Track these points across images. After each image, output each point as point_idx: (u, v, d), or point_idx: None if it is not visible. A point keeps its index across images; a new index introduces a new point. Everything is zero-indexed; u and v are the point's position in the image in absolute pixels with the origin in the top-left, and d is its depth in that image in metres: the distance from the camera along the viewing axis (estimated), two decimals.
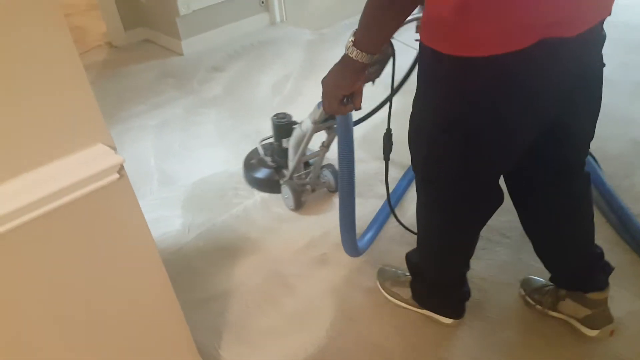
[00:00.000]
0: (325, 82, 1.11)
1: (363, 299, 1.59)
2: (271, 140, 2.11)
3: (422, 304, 1.50)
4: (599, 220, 1.67)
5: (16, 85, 0.78)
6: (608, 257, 1.35)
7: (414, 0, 0.91)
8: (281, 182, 1.99)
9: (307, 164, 2.03)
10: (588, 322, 1.37)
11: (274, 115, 2.01)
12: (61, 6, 0.77)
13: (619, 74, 2.65)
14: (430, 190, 1.24)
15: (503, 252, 1.72)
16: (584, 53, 0.98)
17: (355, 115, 1.34)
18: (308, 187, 1.99)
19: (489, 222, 1.28)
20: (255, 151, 2.21)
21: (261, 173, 2.12)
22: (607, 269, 1.35)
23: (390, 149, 1.45)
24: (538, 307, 1.47)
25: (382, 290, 1.58)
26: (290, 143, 1.91)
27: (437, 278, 1.42)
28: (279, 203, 2.03)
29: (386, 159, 1.46)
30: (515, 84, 0.95)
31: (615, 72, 2.66)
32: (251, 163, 2.18)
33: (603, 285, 1.34)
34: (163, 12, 3.48)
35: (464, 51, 0.93)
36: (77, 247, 0.96)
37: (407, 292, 1.52)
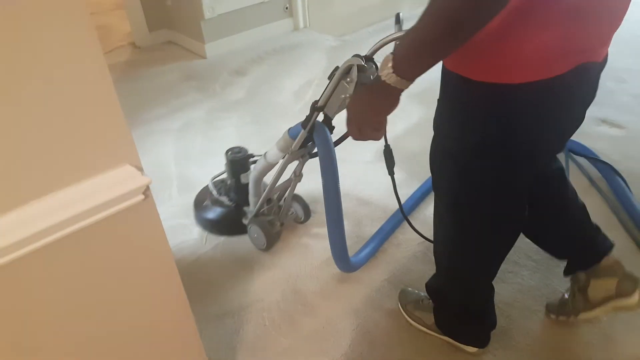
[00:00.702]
0: (355, 109, 1.04)
1: (384, 321, 1.55)
2: (223, 176, 1.97)
3: (445, 332, 1.45)
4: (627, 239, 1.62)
5: (46, 104, 0.75)
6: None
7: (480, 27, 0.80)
8: (245, 221, 1.84)
9: (269, 200, 1.83)
10: (622, 290, 1.30)
11: (228, 151, 1.86)
12: (87, 4, 0.73)
13: None
14: (460, 213, 1.20)
15: (529, 276, 1.66)
16: (600, 74, 1.03)
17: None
18: (276, 222, 1.84)
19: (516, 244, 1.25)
20: (205, 190, 2.02)
21: (217, 214, 1.92)
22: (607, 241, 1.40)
23: (393, 163, 1.42)
24: (572, 317, 1.43)
25: (404, 314, 1.54)
26: (251, 177, 1.76)
27: (463, 303, 1.37)
28: (294, 217, 1.99)
29: (391, 173, 1.43)
30: (551, 107, 0.95)
31: None
32: (204, 205, 1.97)
33: (610, 245, 1.38)
34: (188, 14, 3.48)
35: (498, 78, 0.90)
36: (100, 265, 0.94)
37: (429, 318, 1.47)
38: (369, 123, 1.03)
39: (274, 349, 1.50)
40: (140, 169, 0.90)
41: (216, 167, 2.33)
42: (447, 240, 1.31)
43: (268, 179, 1.76)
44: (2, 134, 0.73)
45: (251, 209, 1.82)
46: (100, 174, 0.86)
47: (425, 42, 0.83)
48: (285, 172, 1.67)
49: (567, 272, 1.44)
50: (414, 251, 1.79)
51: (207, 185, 2.00)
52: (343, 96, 1.30)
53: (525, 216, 1.21)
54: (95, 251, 0.91)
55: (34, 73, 0.72)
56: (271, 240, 1.82)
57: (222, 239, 1.91)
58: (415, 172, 2.14)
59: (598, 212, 1.86)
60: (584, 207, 1.40)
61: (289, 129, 1.59)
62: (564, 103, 0.97)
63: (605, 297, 1.33)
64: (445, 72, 1.01)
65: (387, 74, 0.90)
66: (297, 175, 1.69)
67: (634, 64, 2.77)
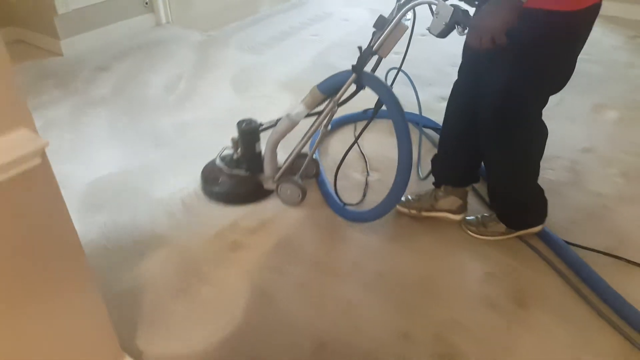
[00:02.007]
0: (483, 21, 1.27)
1: (277, 278, 1.68)
2: (226, 152, 2.10)
3: (522, 227, 1.79)
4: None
5: None
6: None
7: None
8: (271, 186, 1.98)
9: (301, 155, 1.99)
10: (458, 210, 1.88)
11: (240, 123, 1.96)
12: None
13: None
14: (525, 129, 1.56)
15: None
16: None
17: None
18: (299, 178, 1.96)
19: None
20: (211, 169, 2.11)
21: (238, 186, 2.03)
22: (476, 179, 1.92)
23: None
24: (413, 212, 1.91)
25: (477, 236, 1.83)
26: (270, 140, 1.89)
27: (539, 197, 1.75)
28: (180, 199, 2.05)
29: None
30: (588, 29, 1.42)
31: None
32: (220, 182, 2.04)
33: (475, 181, 1.92)
34: (38, 10, 3.28)
35: (574, 6, 1.32)
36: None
37: (500, 227, 1.80)
38: (493, 32, 1.25)
39: (174, 317, 1.55)
40: (36, 132, 0.93)
41: (89, 162, 2.28)
42: (519, 156, 1.64)
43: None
44: None
45: (267, 174, 1.96)
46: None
47: None
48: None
49: (437, 185, 1.92)
50: (296, 216, 1.95)
51: (210, 166, 2.10)
52: (399, 35, 1.57)
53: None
54: None
55: None
56: (305, 192, 1.94)
57: (105, 228, 1.90)
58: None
59: None
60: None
61: (318, 84, 1.75)
62: (586, 34, 1.42)
63: (445, 209, 1.88)
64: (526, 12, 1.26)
65: None
66: (325, 129, 1.83)
67: None
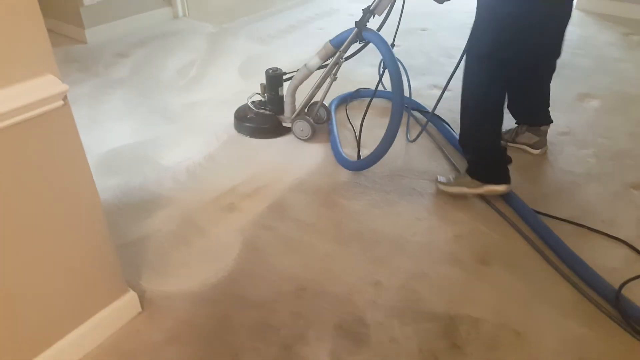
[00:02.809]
0: None
1: (267, 234, 1.88)
2: (257, 97, 2.55)
3: (482, 179, 1.97)
4: (449, 164, 2.14)
5: None
6: None
7: None
8: (289, 122, 2.44)
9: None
10: (536, 145, 2.29)
11: (268, 70, 2.41)
12: None
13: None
14: (494, 67, 1.79)
15: None
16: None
17: None
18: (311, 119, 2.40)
19: None
20: (243, 109, 2.57)
21: (264, 123, 2.48)
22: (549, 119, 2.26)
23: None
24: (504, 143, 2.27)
25: (449, 191, 2.05)
26: (290, 85, 2.37)
27: (493, 146, 1.95)
28: (185, 167, 2.26)
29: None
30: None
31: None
32: (248, 117, 2.51)
33: (550, 121, 2.25)
34: (66, 2, 3.54)
35: None
36: (27, 165, 1.14)
37: (466, 180, 2.01)
38: None
39: (173, 263, 1.76)
40: (60, 79, 1.14)
41: (105, 133, 2.51)
42: (477, 92, 1.87)
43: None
44: None
45: (287, 115, 2.44)
46: (29, 80, 1.09)
47: None
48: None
49: (518, 122, 2.31)
50: (288, 185, 2.14)
51: (242, 107, 2.59)
52: None
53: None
54: (24, 150, 1.12)
55: None
56: (314, 131, 2.40)
57: (118, 190, 2.11)
58: None
59: (429, 147, 2.38)
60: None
61: (330, 40, 2.20)
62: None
63: (525, 143, 2.31)
64: None
65: None
66: (333, 77, 2.24)
67: (459, 44, 3.42)
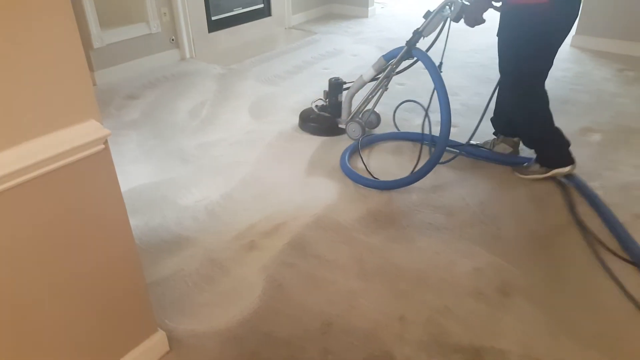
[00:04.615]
0: (471, 8, 2.23)
1: (288, 271, 1.90)
2: (320, 101, 3.00)
3: (551, 165, 2.35)
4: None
5: (22, 67, 1.03)
6: None
7: None
8: (341, 125, 2.87)
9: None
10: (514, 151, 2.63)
11: (331, 78, 2.89)
12: None
13: (475, 101, 3.31)
14: (527, 83, 2.23)
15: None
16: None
17: None
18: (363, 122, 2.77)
19: None
20: (308, 111, 3.03)
21: (324, 123, 2.93)
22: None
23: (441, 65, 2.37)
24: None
25: (524, 176, 2.44)
26: (348, 92, 2.80)
27: (557, 135, 2.30)
28: (204, 206, 2.29)
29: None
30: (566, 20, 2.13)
31: (471, 100, 3.32)
32: (311, 118, 2.98)
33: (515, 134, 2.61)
34: None
35: None
36: (72, 205, 1.17)
37: (537, 168, 2.40)
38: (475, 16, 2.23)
39: (198, 303, 1.77)
40: (101, 123, 1.19)
41: (122, 175, 2.55)
42: (526, 108, 2.32)
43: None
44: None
45: (343, 118, 2.85)
46: (73, 126, 1.14)
47: None
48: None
49: (495, 133, 2.66)
50: (306, 222, 2.18)
51: (306, 110, 3.06)
52: (439, 21, 2.38)
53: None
54: (68, 190, 1.16)
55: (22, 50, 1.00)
56: (364, 132, 2.76)
57: (138, 230, 2.14)
58: None
59: (443, 181, 2.43)
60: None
61: (383, 55, 2.59)
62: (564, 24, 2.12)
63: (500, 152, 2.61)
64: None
65: None
66: (384, 88, 2.63)
67: (462, 82, 3.55)
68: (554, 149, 2.36)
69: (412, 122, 3.02)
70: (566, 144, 2.33)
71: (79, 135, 1.14)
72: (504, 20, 2.20)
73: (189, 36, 4.20)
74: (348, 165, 2.55)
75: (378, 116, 2.97)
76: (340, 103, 2.89)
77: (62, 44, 1.06)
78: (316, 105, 3.00)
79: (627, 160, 2.59)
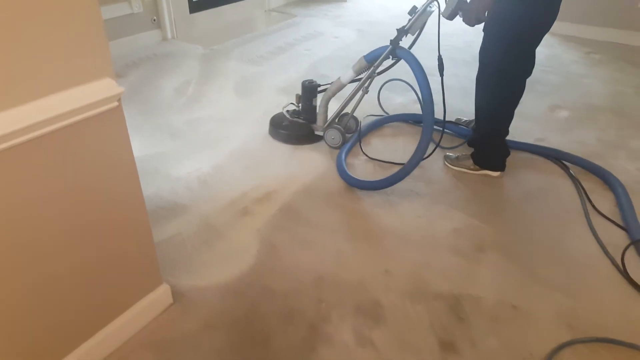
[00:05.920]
0: (471, 6, 2.02)
1: (281, 234, 2.02)
2: (291, 106, 2.76)
3: (483, 166, 2.38)
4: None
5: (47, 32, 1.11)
6: None
7: None
8: (317, 132, 2.65)
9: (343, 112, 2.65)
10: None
11: (304, 81, 2.61)
12: None
13: (452, 82, 3.47)
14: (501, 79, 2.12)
15: None
16: None
17: None
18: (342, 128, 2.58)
19: None
20: (278, 117, 2.77)
21: (298, 130, 2.67)
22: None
23: (443, 68, 2.24)
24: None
25: (451, 166, 2.45)
26: (324, 96, 2.57)
27: (499, 140, 2.29)
28: (196, 177, 2.39)
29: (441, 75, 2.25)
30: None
31: (449, 80, 3.47)
32: (284, 125, 2.70)
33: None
34: None
35: None
36: (85, 160, 1.26)
37: (469, 163, 2.41)
38: (476, 13, 2.03)
39: (198, 262, 1.88)
40: (116, 82, 1.28)
41: None
42: (489, 95, 2.20)
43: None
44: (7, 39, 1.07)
45: (319, 123, 2.63)
46: (91, 82, 1.22)
47: None
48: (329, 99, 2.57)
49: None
50: (296, 190, 2.30)
51: (277, 115, 2.79)
52: (425, 18, 2.23)
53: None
54: (83, 145, 1.25)
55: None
56: (344, 140, 2.58)
57: None
58: None
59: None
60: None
61: (364, 55, 2.38)
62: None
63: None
64: None
65: None
66: (365, 91, 2.41)
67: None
68: (494, 154, 2.35)
69: (394, 101, 3.16)
70: (507, 153, 2.35)
71: (97, 91, 1.22)
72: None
73: (170, 17, 4.24)
74: (344, 167, 2.40)
75: (357, 120, 2.75)
76: (314, 107, 2.66)
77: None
78: (287, 111, 2.75)
79: (592, 134, 2.79)
